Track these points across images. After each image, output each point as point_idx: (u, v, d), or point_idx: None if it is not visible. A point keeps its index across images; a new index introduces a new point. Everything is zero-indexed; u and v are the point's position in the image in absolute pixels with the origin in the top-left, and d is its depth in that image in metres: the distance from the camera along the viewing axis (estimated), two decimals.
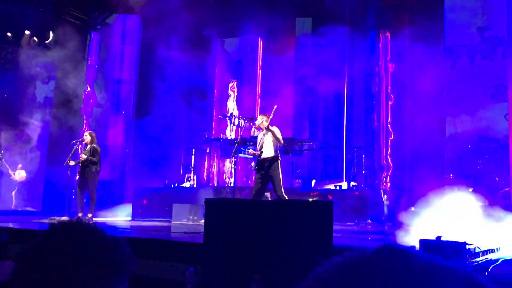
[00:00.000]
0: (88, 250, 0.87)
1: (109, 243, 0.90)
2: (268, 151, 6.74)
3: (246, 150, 9.68)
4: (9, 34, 10.80)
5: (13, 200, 10.44)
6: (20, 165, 10.62)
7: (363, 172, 9.80)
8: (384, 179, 10.21)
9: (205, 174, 11.66)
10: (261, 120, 6.92)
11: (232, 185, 11.03)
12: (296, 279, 2.67)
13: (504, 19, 9.42)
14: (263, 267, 3.10)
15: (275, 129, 6.83)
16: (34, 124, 10.96)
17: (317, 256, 2.85)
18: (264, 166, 6.71)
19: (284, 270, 3.09)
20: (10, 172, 10.54)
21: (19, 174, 10.60)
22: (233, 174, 8.41)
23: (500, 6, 9.35)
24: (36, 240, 0.91)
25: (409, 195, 9.41)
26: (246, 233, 3.24)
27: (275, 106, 7.00)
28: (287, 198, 6.60)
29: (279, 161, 6.72)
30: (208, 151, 11.45)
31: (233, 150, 7.67)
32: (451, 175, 9.81)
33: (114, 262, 0.88)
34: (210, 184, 11.44)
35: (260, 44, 12.97)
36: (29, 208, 10.12)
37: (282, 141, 6.83)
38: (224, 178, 11.90)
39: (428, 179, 9.63)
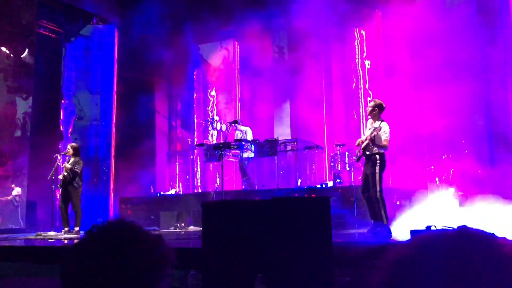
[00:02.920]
0: (137, 245, 0.91)
1: (153, 238, 0.95)
2: (371, 147, 6.46)
3: (230, 154, 9.70)
4: None
5: None
6: (13, 185, 10.40)
7: (347, 169, 9.92)
8: None
9: (190, 180, 11.63)
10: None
11: (211, 190, 11.04)
12: (297, 275, 2.72)
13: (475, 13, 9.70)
14: (265, 266, 3.13)
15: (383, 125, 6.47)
16: (14, 140, 10.75)
17: (317, 252, 2.90)
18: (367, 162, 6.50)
19: (286, 268, 3.13)
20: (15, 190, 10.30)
21: (17, 191, 10.38)
22: (221, 178, 8.41)
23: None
24: (83, 240, 0.93)
25: (393, 189, 9.57)
26: (245, 234, 3.26)
27: None
28: (378, 198, 6.28)
29: (377, 158, 6.35)
30: (192, 157, 11.43)
31: (219, 154, 7.68)
32: (432, 167, 10.03)
33: (160, 255, 0.93)
34: (196, 190, 11.42)
35: (237, 48, 13.02)
36: (11, 226, 9.93)
37: (386, 146, 6.43)
38: (209, 184, 11.90)
39: (410, 173, 9.84)
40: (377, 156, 6.38)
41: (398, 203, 9.13)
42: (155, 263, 0.91)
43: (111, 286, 0.86)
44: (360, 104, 10.95)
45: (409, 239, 0.69)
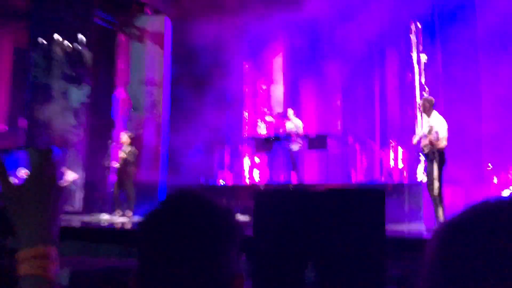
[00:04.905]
0: (211, 214, 0.93)
1: (223, 210, 0.96)
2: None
3: (279, 146, 9.67)
4: (44, 42, 11.04)
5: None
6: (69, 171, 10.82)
7: (401, 166, 9.68)
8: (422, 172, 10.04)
9: (239, 172, 11.72)
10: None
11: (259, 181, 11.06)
12: (348, 266, 2.65)
13: None
14: (316, 255, 3.11)
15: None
16: (70, 129, 11.17)
17: (370, 244, 2.83)
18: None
19: (337, 258, 3.10)
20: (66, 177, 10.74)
21: (71, 175, 10.79)
22: (270, 171, 8.42)
23: None
24: (157, 210, 0.95)
25: (448, 188, 9.23)
26: (297, 223, 3.25)
27: None
28: (435, 195, 6.37)
29: (435, 155, 6.44)
30: (242, 149, 11.50)
31: (269, 147, 7.68)
32: (490, 164, 9.60)
33: (229, 227, 0.94)
34: (244, 182, 11.48)
35: (286, 40, 12.92)
36: (70, 208, 10.36)
37: (443, 143, 6.48)
38: (255, 175, 11.93)
39: (466, 171, 9.45)
40: (436, 153, 6.41)
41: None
42: (228, 232, 0.93)
43: (187, 252, 0.88)
44: (416, 99, 10.62)
45: (465, 208, 0.67)
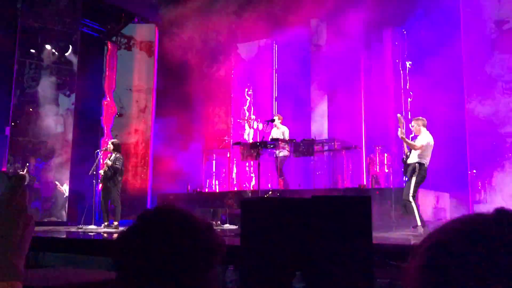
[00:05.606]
0: (189, 231, 0.90)
1: (204, 225, 0.93)
2: (412, 156, 6.81)
3: (267, 153, 9.68)
4: (32, 50, 10.96)
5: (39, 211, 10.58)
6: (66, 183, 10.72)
7: (386, 171, 9.74)
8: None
9: (226, 178, 11.69)
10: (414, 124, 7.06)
11: (246, 188, 11.06)
12: (337, 275, 2.65)
13: None
14: (304, 264, 3.11)
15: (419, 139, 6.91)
16: (56, 137, 11.07)
17: (357, 252, 2.84)
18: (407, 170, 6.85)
19: (325, 267, 3.10)
20: (58, 186, 10.63)
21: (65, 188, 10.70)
22: (257, 177, 8.43)
23: None
24: (134, 225, 0.93)
25: (433, 193, 9.33)
26: (284, 231, 3.25)
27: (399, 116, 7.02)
28: (411, 203, 6.56)
29: (417, 167, 6.70)
30: (228, 155, 11.49)
31: (256, 153, 7.69)
32: (474, 171, 9.71)
33: (211, 242, 0.92)
34: (232, 189, 11.47)
35: (275, 47, 13.00)
36: (53, 219, 10.25)
37: (416, 148, 6.81)
38: (245, 183, 11.92)
39: (451, 176, 9.56)
40: (417, 165, 6.66)
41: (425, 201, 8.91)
42: (207, 249, 0.90)
43: (166, 269, 0.85)
44: (402, 105, 10.72)
45: (446, 223, 0.68)
